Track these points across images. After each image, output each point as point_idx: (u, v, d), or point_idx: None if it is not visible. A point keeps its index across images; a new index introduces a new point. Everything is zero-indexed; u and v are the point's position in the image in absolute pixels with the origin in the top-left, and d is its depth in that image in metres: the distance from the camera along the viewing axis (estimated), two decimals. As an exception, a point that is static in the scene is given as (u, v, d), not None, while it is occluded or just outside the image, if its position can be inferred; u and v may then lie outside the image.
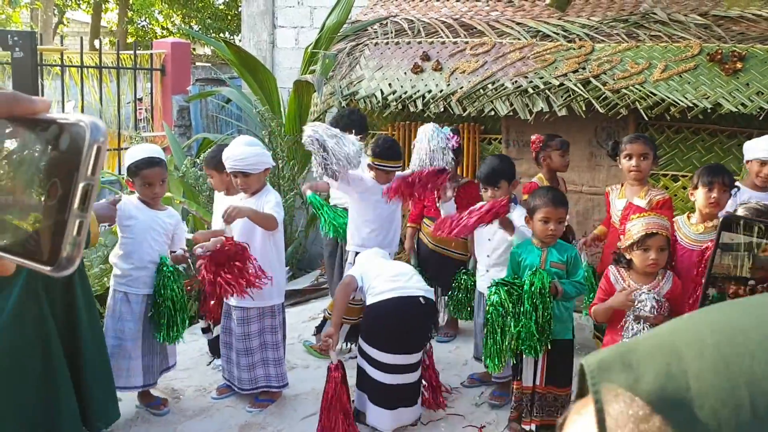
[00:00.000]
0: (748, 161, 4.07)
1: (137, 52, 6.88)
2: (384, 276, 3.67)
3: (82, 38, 6.61)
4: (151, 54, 7.08)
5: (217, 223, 4.13)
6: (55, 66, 6.45)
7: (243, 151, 3.75)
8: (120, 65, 6.63)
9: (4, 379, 2.95)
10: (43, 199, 0.50)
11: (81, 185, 0.49)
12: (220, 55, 14.18)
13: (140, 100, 7.10)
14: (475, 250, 4.18)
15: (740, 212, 3.06)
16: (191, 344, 4.75)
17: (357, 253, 4.17)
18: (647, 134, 5.00)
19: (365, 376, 3.65)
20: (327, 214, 4.61)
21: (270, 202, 3.79)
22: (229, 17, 19.46)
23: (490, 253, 4.00)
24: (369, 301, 3.64)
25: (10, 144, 0.53)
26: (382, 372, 3.57)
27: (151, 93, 7.09)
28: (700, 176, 3.62)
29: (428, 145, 3.95)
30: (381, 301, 3.57)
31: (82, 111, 6.82)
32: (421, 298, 3.59)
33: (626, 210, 3.82)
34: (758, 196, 3.78)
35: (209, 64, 14.66)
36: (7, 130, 0.53)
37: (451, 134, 4.49)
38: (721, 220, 2.60)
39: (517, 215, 3.79)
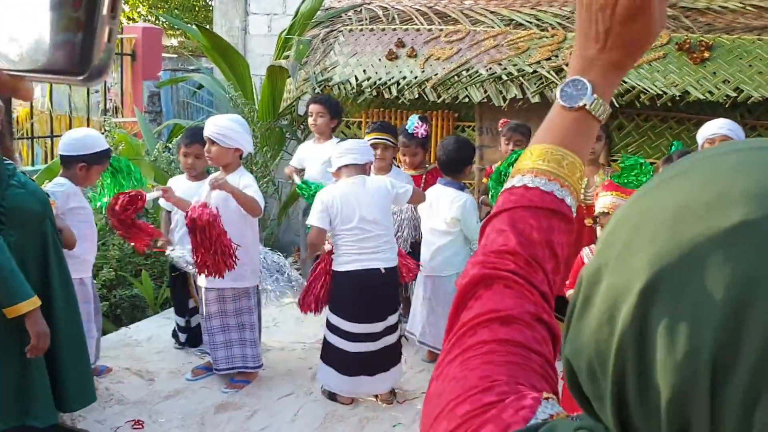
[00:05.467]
0: (702, 148, 4.14)
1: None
2: (351, 236, 3.68)
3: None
4: (122, 39, 6.99)
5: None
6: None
7: (221, 121, 3.82)
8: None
9: None
10: (66, 11, 0.48)
11: None
12: (187, 47, 14.02)
13: (109, 89, 6.99)
14: (429, 234, 4.20)
15: None
16: (165, 328, 4.72)
17: None
18: (617, 122, 5.12)
19: (329, 347, 3.75)
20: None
21: (250, 186, 3.78)
22: (197, 8, 19.24)
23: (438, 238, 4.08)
24: (335, 266, 3.74)
25: None
26: (345, 340, 3.68)
27: (121, 78, 6.99)
28: (665, 164, 3.71)
29: None
30: (344, 272, 3.69)
31: (51, 96, 6.69)
32: (381, 269, 3.67)
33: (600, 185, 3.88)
34: None
35: (177, 55, 14.48)
36: None
37: (419, 122, 4.57)
38: None
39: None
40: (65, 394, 3.25)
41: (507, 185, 0.89)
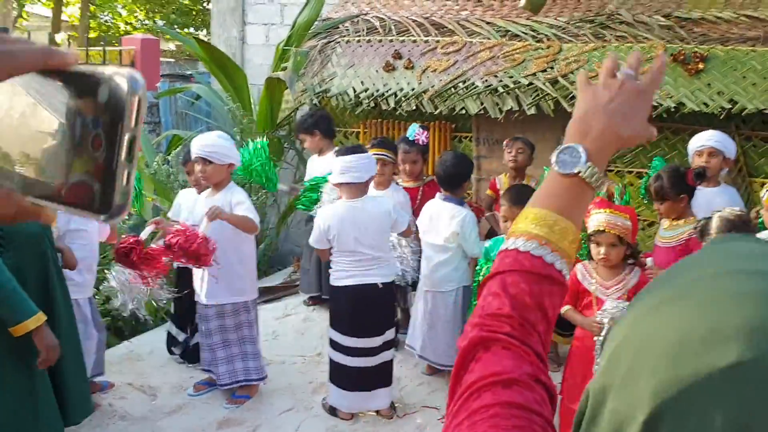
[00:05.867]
0: (692, 160, 4.17)
1: (106, 48, 6.81)
2: (348, 256, 3.72)
3: (51, 36, 6.51)
4: (120, 50, 7.02)
5: (177, 217, 4.20)
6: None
7: (211, 139, 3.83)
8: (89, 62, 6.54)
9: None
10: (87, 150, 0.51)
11: (126, 136, 0.50)
12: (184, 51, 14.06)
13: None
14: (429, 249, 4.20)
15: (713, 222, 3.06)
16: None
17: None
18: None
19: (331, 363, 3.82)
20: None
21: (243, 203, 3.81)
22: (194, 12, 19.28)
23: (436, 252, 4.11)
24: (332, 281, 3.82)
25: (46, 97, 0.53)
26: (344, 355, 3.75)
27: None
28: (656, 182, 3.71)
29: None
30: (341, 287, 3.75)
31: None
32: (378, 284, 3.73)
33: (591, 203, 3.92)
34: (709, 193, 3.91)
35: (174, 60, 14.51)
36: (44, 84, 0.53)
37: (420, 130, 4.63)
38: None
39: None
40: (68, 407, 3.31)
41: (503, 246, 0.93)
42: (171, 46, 17.52)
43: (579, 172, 0.90)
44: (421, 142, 4.65)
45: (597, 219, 3.18)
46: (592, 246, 3.24)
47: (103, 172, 0.51)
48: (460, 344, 0.87)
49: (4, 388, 3.03)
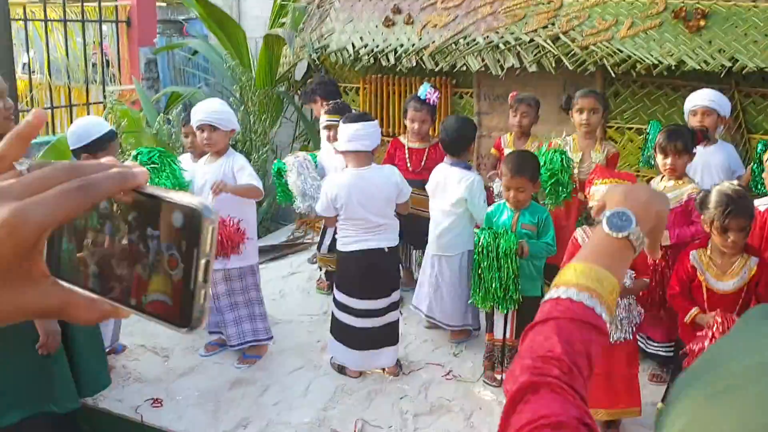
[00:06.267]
0: (687, 120, 4.21)
1: (102, 3, 6.71)
2: (355, 223, 3.80)
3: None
4: (116, 6, 6.92)
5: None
6: (19, 20, 6.28)
7: (214, 105, 3.86)
8: (84, 18, 6.47)
9: (2, 346, 3.06)
10: (164, 269, 0.55)
11: (203, 261, 0.54)
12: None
13: (101, 42, 6.93)
14: (436, 214, 4.24)
15: (712, 196, 3.07)
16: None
17: None
18: (614, 89, 5.18)
19: (337, 322, 3.94)
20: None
21: (245, 168, 3.86)
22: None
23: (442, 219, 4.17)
24: (339, 247, 3.89)
25: (122, 216, 0.57)
26: (351, 316, 3.87)
27: (117, 45, 6.96)
28: (658, 141, 3.74)
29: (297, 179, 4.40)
30: (349, 252, 3.83)
31: (49, 67, 6.67)
32: (385, 248, 3.82)
33: (593, 172, 3.95)
34: (706, 151, 3.97)
35: (165, 4, 14.20)
36: (118, 205, 0.57)
37: (431, 89, 4.62)
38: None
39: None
40: (82, 380, 3.43)
41: (552, 294, 1.01)
42: (162, -11, 17.14)
43: (628, 236, 1.00)
44: (432, 102, 4.63)
45: (603, 191, 3.23)
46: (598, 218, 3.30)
47: (181, 292, 0.56)
48: (508, 387, 0.94)
49: (21, 358, 3.15)
